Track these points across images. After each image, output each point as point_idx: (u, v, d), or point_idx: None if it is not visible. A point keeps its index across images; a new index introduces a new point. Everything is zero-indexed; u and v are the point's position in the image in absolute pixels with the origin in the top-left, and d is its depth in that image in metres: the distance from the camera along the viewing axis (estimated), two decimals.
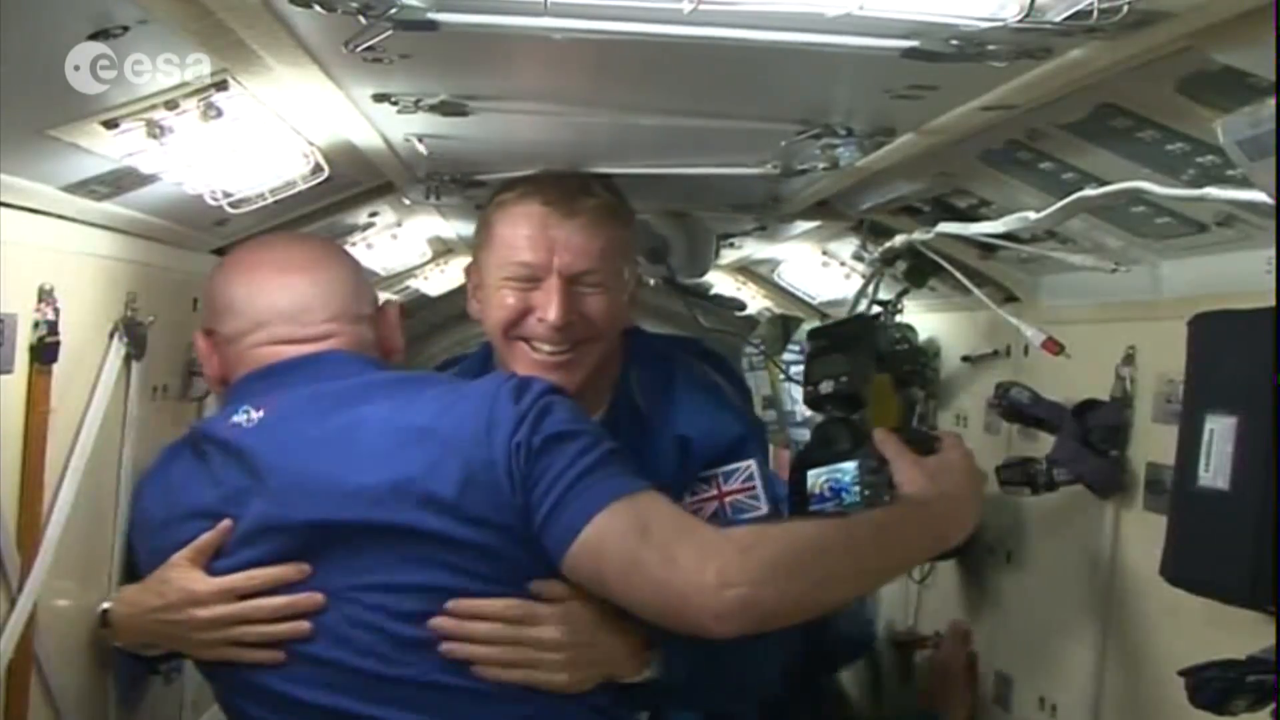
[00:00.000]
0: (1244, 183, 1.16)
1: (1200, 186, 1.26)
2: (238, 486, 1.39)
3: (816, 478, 1.78)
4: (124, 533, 1.64)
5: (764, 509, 1.75)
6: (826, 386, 1.87)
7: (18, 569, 1.56)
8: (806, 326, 3.09)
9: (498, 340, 1.75)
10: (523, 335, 1.70)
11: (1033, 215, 1.55)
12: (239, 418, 1.40)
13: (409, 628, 1.37)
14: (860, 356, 1.94)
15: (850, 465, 1.74)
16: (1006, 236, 1.76)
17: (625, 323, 1.81)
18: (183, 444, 1.54)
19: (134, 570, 1.60)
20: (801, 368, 2.04)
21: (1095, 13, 0.96)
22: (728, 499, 1.76)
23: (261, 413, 1.39)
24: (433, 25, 1.09)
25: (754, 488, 1.76)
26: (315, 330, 1.48)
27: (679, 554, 1.31)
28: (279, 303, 1.46)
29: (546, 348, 1.69)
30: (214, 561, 1.39)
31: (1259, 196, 1.13)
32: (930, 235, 1.96)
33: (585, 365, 1.71)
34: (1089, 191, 1.42)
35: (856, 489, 1.73)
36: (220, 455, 1.41)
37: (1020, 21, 0.99)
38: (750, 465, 1.77)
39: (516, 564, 1.36)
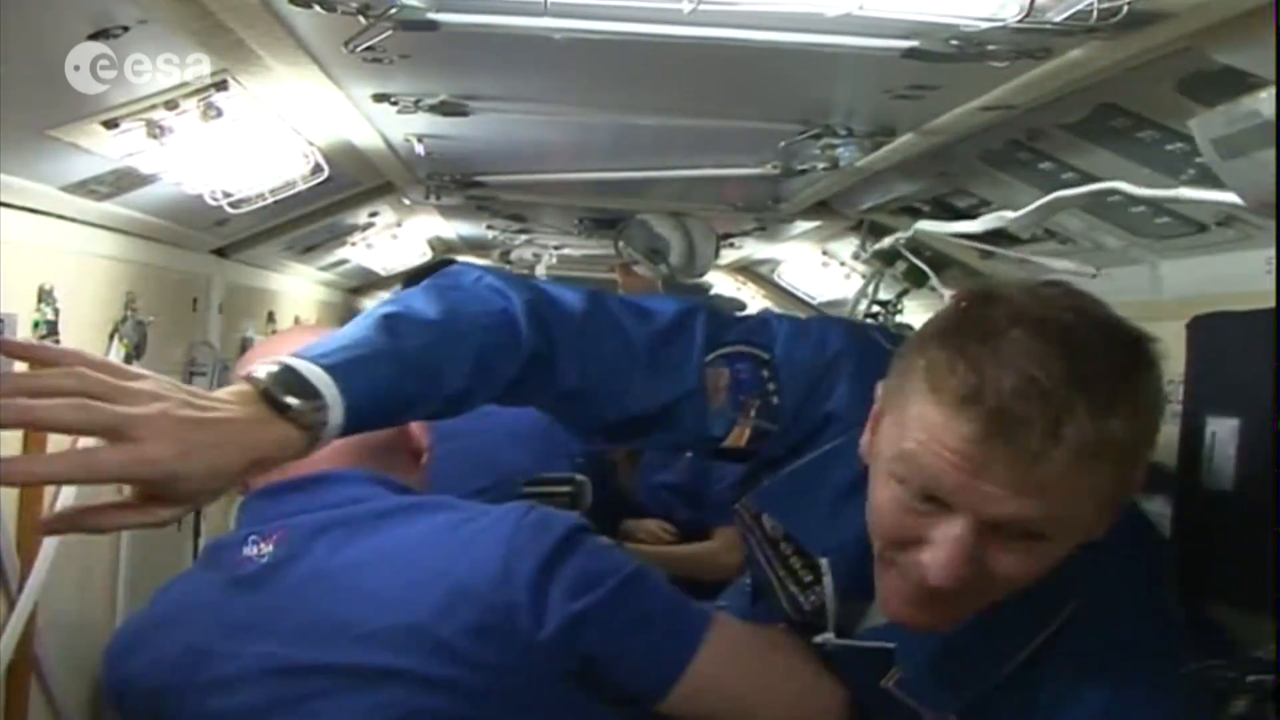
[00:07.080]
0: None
1: (1201, 186, 1.25)
2: (242, 623, 1.36)
3: None
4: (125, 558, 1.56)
5: None
6: None
7: (17, 571, 1.56)
8: None
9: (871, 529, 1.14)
10: (898, 558, 1.10)
11: (1010, 214, 1.51)
12: (249, 550, 1.38)
13: None
14: None
15: None
16: (992, 239, 1.76)
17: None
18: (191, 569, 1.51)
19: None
20: None
21: (1095, 13, 0.96)
22: None
23: (271, 546, 1.38)
24: (433, 25, 1.10)
25: None
26: None
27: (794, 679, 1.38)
28: None
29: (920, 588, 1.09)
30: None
31: (1230, 197, 1.10)
32: (910, 233, 1.95)
33: (965, 614, 1.13)
34: (1065, 192, 1.41)
35: None
36: (227, 589, 1.39)
37: (1020, 21, 1.00)
38: None
39: (509, 699, 1.32)
